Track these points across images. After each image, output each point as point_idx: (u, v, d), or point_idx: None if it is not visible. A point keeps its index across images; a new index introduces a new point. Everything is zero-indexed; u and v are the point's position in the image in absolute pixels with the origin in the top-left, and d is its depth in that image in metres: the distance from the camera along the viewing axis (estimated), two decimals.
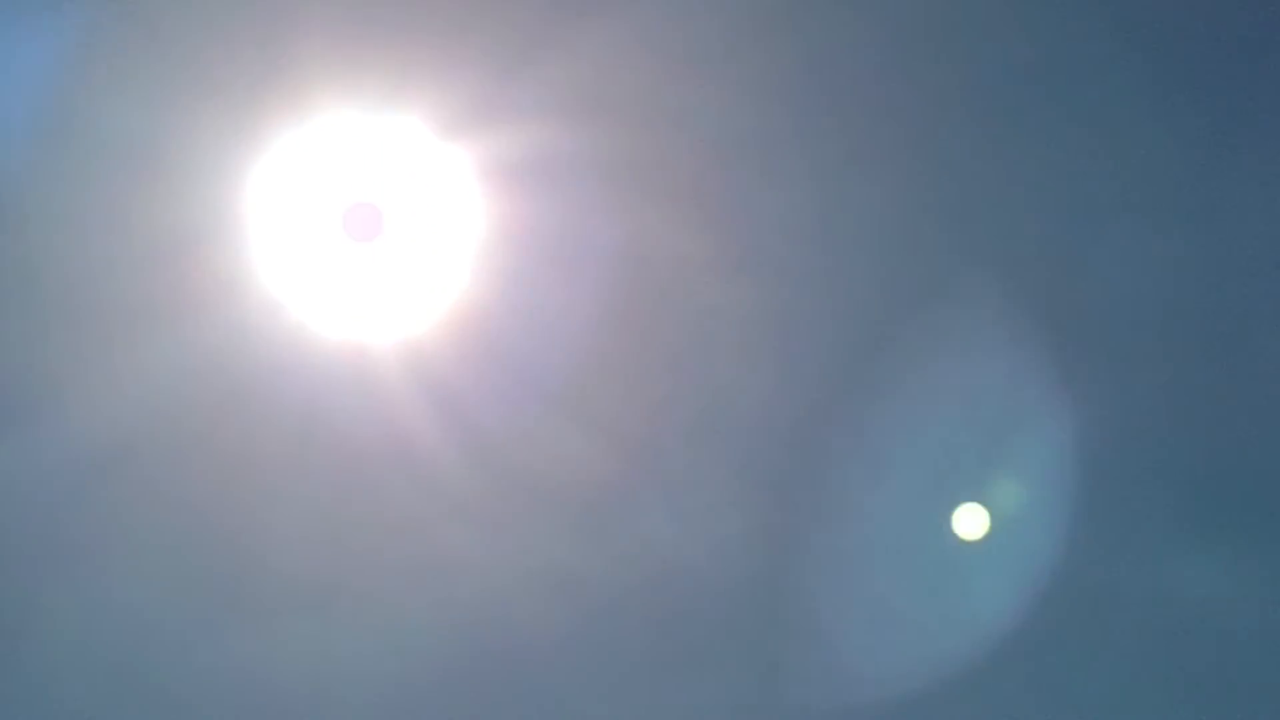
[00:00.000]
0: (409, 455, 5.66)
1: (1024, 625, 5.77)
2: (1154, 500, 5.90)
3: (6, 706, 5.70)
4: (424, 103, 5.47)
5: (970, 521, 5.81)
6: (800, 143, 5.61)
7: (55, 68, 5.47)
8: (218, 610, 5.73)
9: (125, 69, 5.44)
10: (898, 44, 5.61)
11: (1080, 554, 5.85)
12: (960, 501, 5.84)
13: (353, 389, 5.61)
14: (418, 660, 5.72)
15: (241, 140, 5.48)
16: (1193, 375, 5.88)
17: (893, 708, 5.71)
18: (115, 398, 5.55)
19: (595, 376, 5.65)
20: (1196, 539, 5.89)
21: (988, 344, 5.79)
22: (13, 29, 5.35)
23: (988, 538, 5.83)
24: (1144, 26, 5.73)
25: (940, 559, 5.88)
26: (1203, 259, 5.79)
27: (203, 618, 5.72)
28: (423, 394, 5.62)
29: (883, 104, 5.61)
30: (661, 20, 5.44)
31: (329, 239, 5.57)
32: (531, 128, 5.47)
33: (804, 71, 5.61)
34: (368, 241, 5.58)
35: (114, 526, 5.64)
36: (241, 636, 5.69)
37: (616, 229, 5.55)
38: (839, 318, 5.75)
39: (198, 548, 5.69)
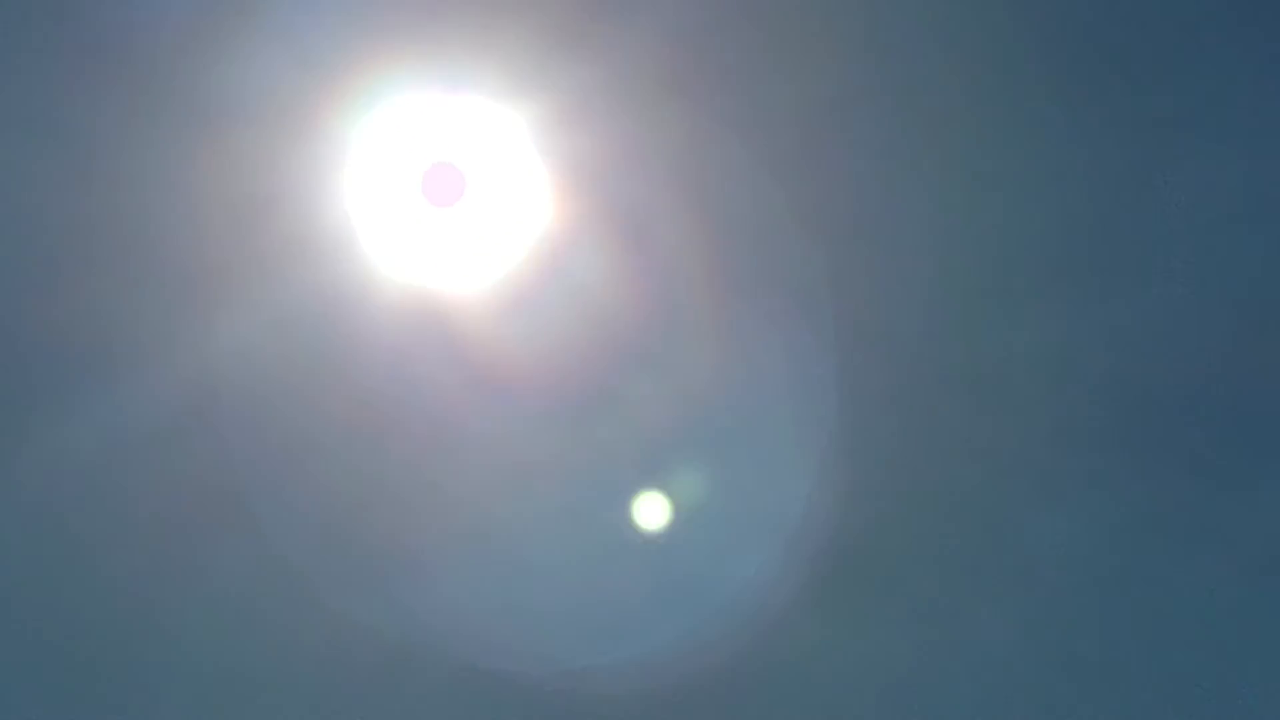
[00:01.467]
0: (490, 417, 5.74)
1: None
2: None
3: (85, 666, 5.81)
4: (502, 66, 5.56)
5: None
6: (867, 132, 5.67)
7: (141, 29, 5.59)
8: (301, 571, 5.82)
9: (211, 32, 5.55)
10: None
11: None
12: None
13: (434, 349, 5.69)
14: (505, 620, 5.80)
15: (326, 103, 5.58)
16: None
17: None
18: (197, 359, 5.66)
19: (675, 338, 5.70)
20: None
21: None
22: None
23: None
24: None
25: None
26: None
27: (285, 579, 5.81)
28: (503, 355, 5.70)
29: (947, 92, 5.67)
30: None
31: (410, 202, 5.66)
32: (609, 94, 5.54)
33: (873, 62, 5.66)
34: (448, 205, 5.67)
35: (198, 487, 5.74)
36: (326, 593, 5.79)
37: (694, 193, 5.61)
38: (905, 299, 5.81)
39: (281, 509, 5.79)
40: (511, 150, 5.62)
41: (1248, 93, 5.80)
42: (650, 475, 5.80)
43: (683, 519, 5.85)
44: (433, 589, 5.82)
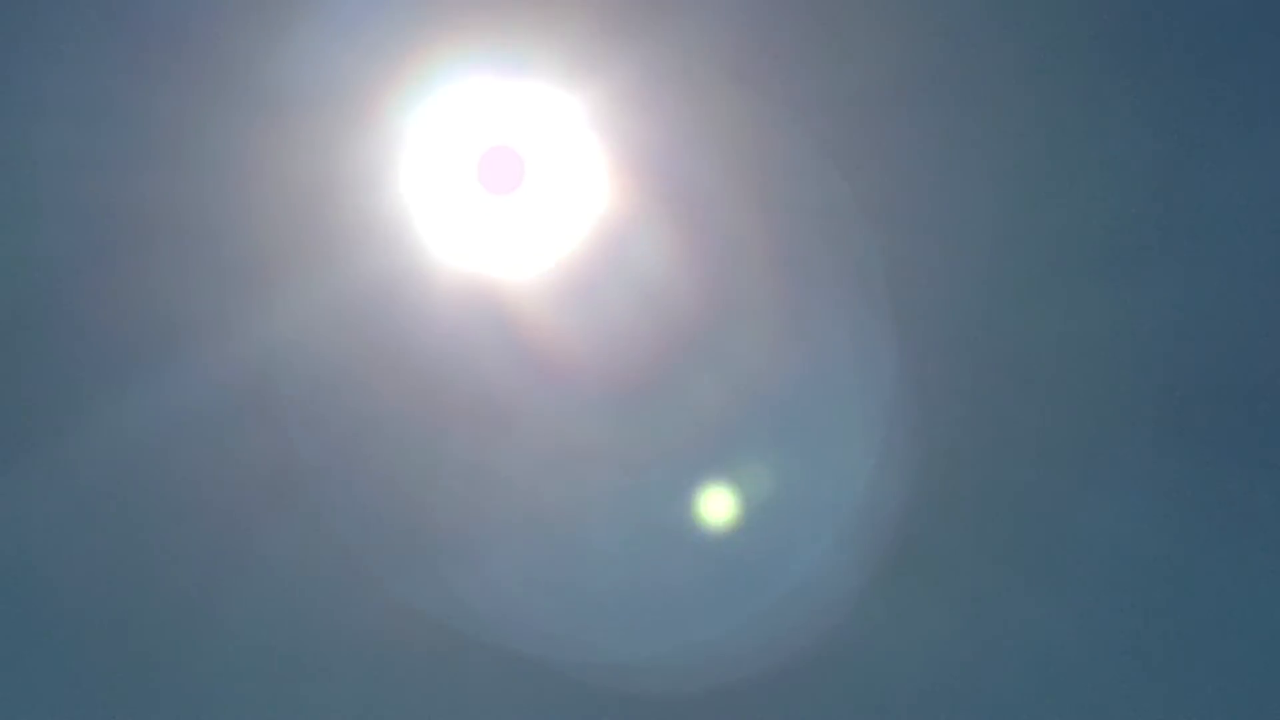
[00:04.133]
0: (548, 404, 5.71)
1: None
2: None
3: (140, 650, 5.85)
4: (560, 51, 5.51)
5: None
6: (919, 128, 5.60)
7: (199, 15, 5.58)
8: (356, 557, 5.83)
9: (268, 18, 5.54)
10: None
11: None
12: None
13: (492, 336, 5.67)
14: (554, 603, 5.78)
15: (383, 89, 5.56)
16: None
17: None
18: (255, 345, 5.67)
19: (734, 326, 5.65)
20: None
21: None
22: None
23: None
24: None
25: None
26: None
27: (341, 565, 5.83)
28: (562, 342, 5.67)
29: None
30: None
31: (467, 188, 5.63)
32: (669, 79, 5.48)
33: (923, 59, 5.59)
34: (505, 192, 5.63)
35: (255, 473, 5.76)
36: (382, 579, 5.80)
37: (754, 179, 5.55)
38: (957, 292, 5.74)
39: (338, 495, 5.80)
40: (570, 136, 5.57)
41: None
42: (709, 464, 5.75)
43: (742, 509, 5.81)
44: (488, 576, 5.81)
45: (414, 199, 5.62)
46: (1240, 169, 5.75)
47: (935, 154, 5.67)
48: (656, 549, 5.83)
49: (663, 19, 5.47)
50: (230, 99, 5.56)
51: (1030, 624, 5.90)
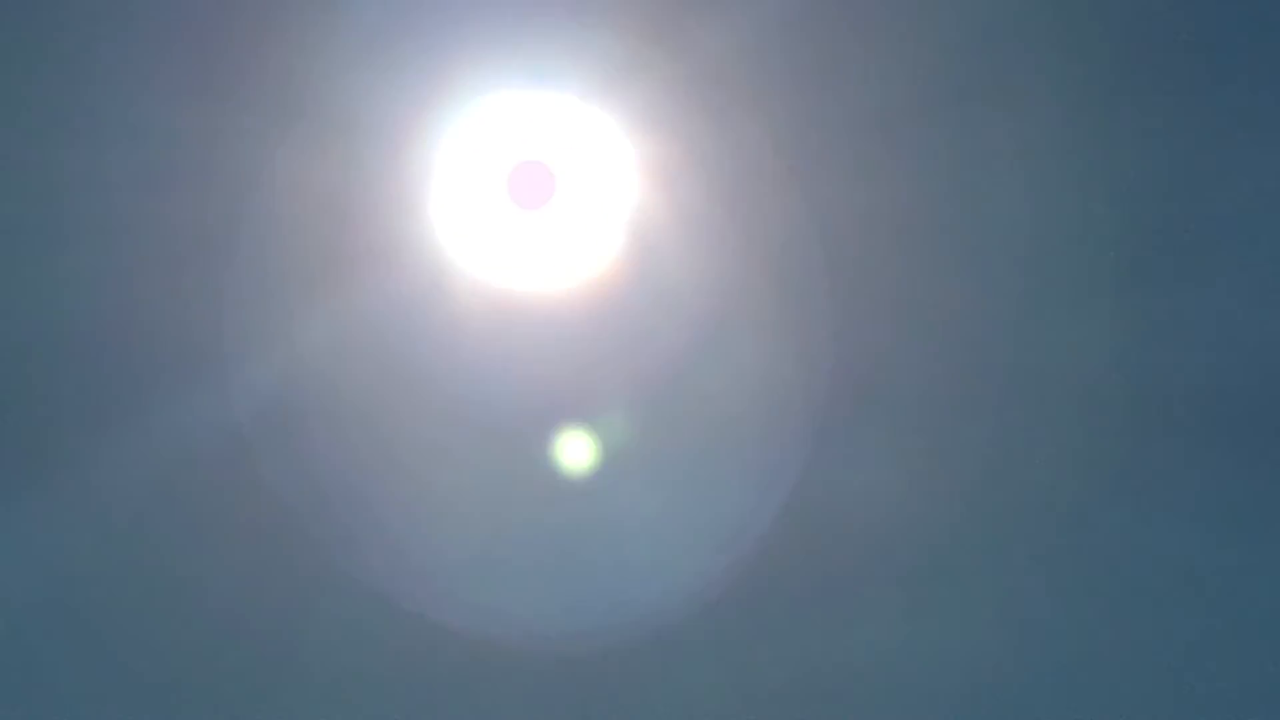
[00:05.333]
0: (576, 413, 5.76)
1: None
2: None
3: (160, 661, 5.81)
4: (591, 69, 5.58)
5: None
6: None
7: (229, 30, 5.60)
8: (383, 567, 5.83)
9: (297, 32, 5.56)
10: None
11: None
12: None
13: (520, 348, 5.71)
14: (589, 613, 5.82)
15: (411, 105, 5.60)
16: None
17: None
18: (286, 359, 5.67)
19: (762, 335, 5.73)
20: None
21: None
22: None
23: None
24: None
25: None
26: None
27: (368, 574, 5.83)
28: (590, 353, 5.72)
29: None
30: None
31: (497, 204, 5.68)
32: (700, 93, 5.57)
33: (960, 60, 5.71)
34: (535, 207, 5.68)
35: (284, 482, 5.75)
36: (402, 588, 5.80)
37: (786, 190, 5.64)
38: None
39: (364, 505, 5.80)
40: (600, 150, 5.64)
41: None
42: (735, 477, 5.82)
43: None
44: (514, 589, 5.84)
45: (445, 214, 5.66)
46: (1258, 177, 5.89)
47: (956, 164, 5.78)
48: (692, 554, 5.88)
49: (692, 33, 5.55)
50: (259, 116, 5.56)
51: (1050, 628, 6.00)
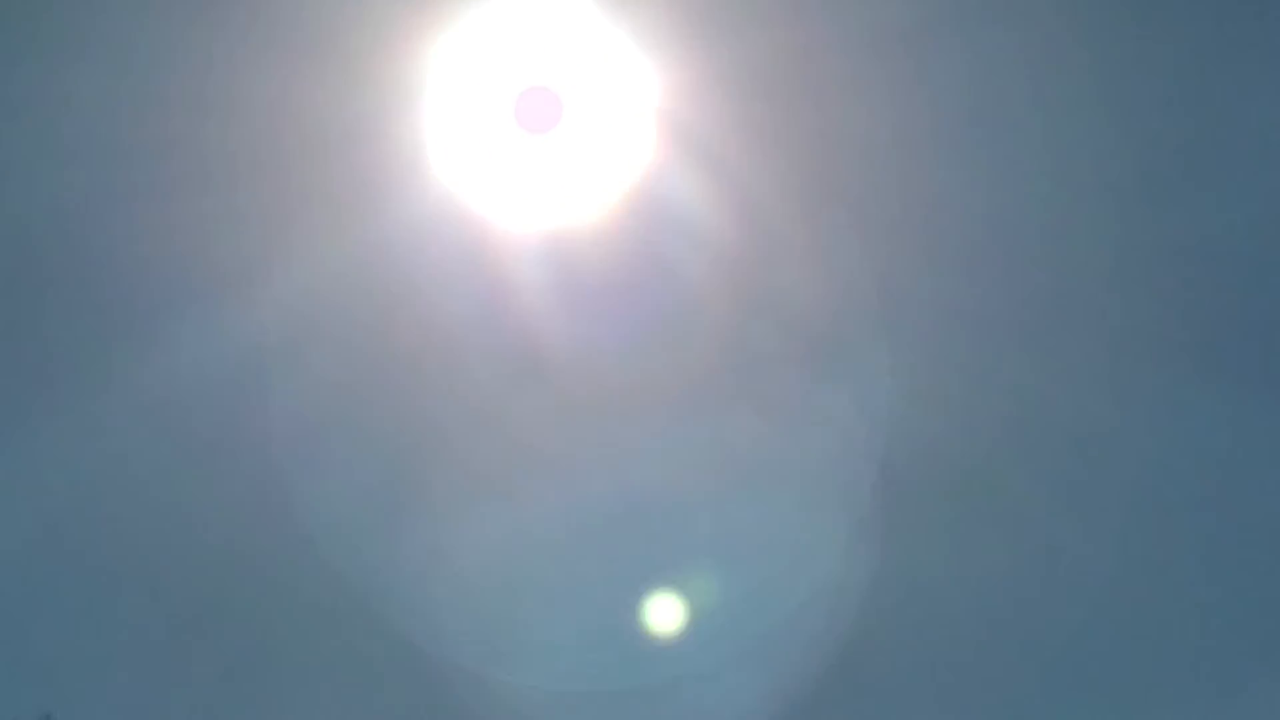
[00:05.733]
0: (579, 343, 5.65)
1: None
2: None
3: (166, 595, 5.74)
4: None
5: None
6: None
7: None
8: (391, 497, 5.75)
9: None
10: None
11: None
12: None
13: (525, 278, 5.59)
14: (580, 542, 5.75)
15: (415, 28, 5.44)
16: None
17: None
18: (291, 284, 5.56)
19: (773, 264, 5.62)
20: None
21: None
22: None
23: None
24: None
25: None
26: None
27: (376, 506, 5.75)
28: (593, 282, 5.61)
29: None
30: None
31: (503, 128, 5.53)
32: (713, 17, 5.42)
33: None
34: (542, 132, 5.53)
35: (290, 413, 5.66)
36: (415, 522, 5.72)
37: (801, 110, 5.50)
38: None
39: (370, 434, 5.71)
40: (607, 76, 5.48)
41: None
42: (744, 409, 5.73)
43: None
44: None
45: (449, 139, 5.52)
46: (1267, 98, 5.77)
47: (970, 81, 5.64)
48: (681, 490, 5.79)
49: None
50: (261, 39, 5.41)
51: (1067, 548, 5.95)
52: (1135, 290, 5.87)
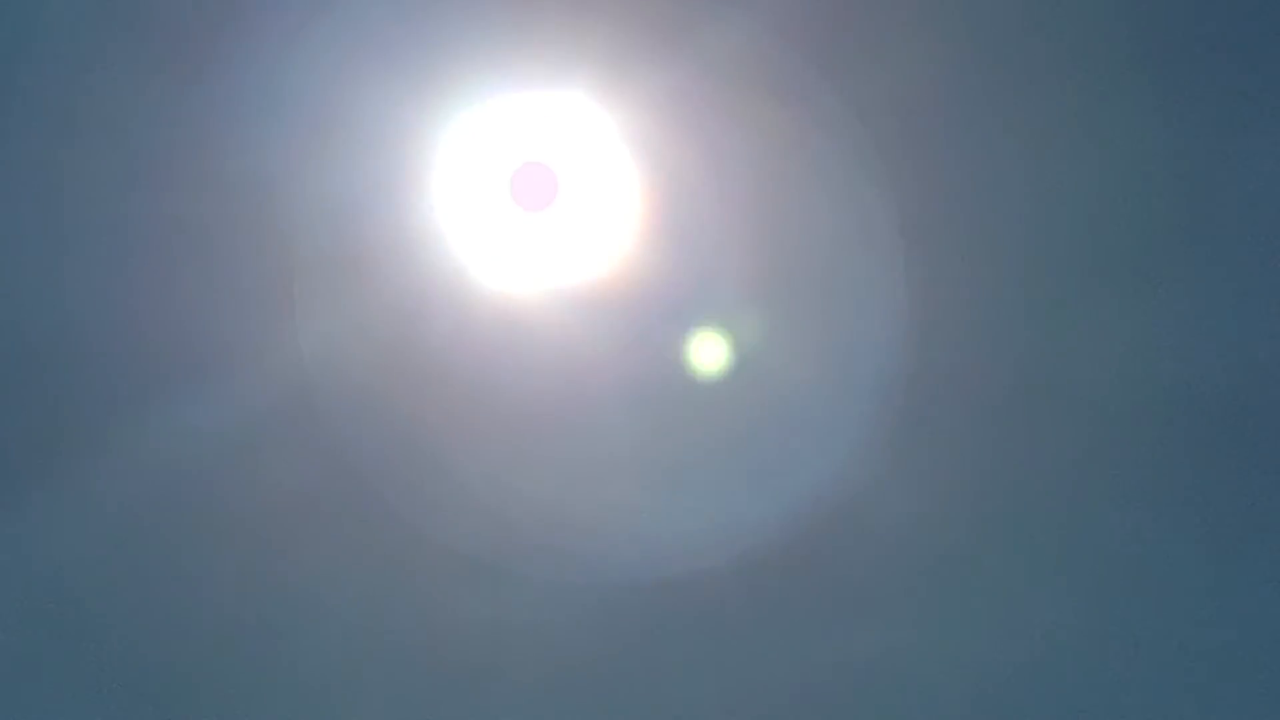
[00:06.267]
0: (578, 418, 5.72)
1: None
2: None
3: (166, 667, 5.79)
4: (593, 69, 5.52)
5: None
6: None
7: (231, 31, 5.53)
8: (385, 574, 5.80)
9: (299, 33, 5.49)
10: None
11: None
12: None
13: (524, 352, 5.66)
14: (588, 613, 5.79)
15: (415, 107, 5.53)
16: None
17: None
18: (286, 364, 5.62)
19: (764, 338, 5.69)
20: None
21: None
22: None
23: None
24: None
25: None
26: None
27: (371, 582, 5.79)
28: (592, 356, 5.67)
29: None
30: None
31: (500, 206, 5.61)
32: (704, 93, 5.51)
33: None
34: (538, 209, 5.62)
35: (288, 484, 5.71)
36: (411, 600, 5.77)
37: (793, 191, 5.58)
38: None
39: (368, 508, 5.76)
40: (603, 150, 5.57)
41: None
42: (748, 472, 5.78)
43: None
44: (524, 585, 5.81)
45: (447, 216, 5.60)
46: (1258, 178, 5.83)
47: (962, 162, 5.72)
48: (688, 556, 5.84)
49: (697, 32, 5.48)
50: (261, 115, 5.51)
51: (1044, 626, 5.98)
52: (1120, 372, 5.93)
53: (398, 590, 5.78)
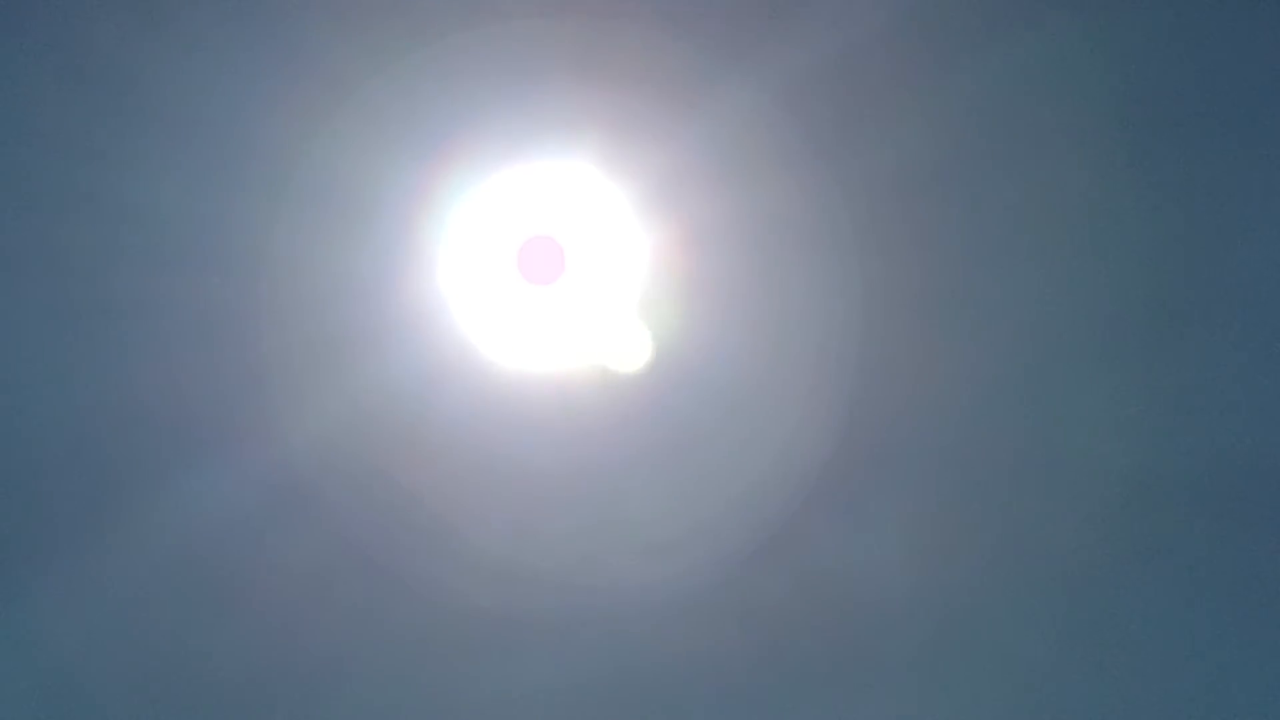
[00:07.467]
0: (591, 490, 5.67)
1: None
2: None
3: None
4: (602, 137, 5.52)
5: None
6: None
7: (229, 106, 5.52)
8: (395, 651, 5.73)
9: (300, 111, 5.48)
10: None
11: None
12: None
13: (536, 424, 5.62)
14: (593, 689, 5.72)
15: (419, 180, 5.53)
16: None
17: None
18: (291, 444, 5.58)
19: (780, 411, 5.66)
20: None
21: None
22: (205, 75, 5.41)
23: None
24: None
25: None
26: None
27: (381, 660, 5.73)
28: (605, 428, 5.64)
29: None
30: (839, 52, 5.49)
31: (507, 279, 5.59)
32: (713, 166, 5.51)
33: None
34: (546, 282, 5.60)
35: (296, 560, 5.65)
36: (422, 675, 5.70)
37: (804, 265, 5.57)
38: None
39: (379, 582, 5.70)
40: (610, 224, 5.56)
41: None
42: (757, 546, 5.73)
43: None
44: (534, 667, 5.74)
45: (454, 291, 5.58)
46: (1256, 248, 5.83)
47: (960, 239, 5.72)
48: (701, 631, 5.77)
49: (706, 105, 5.49)
50: (262, 193, 5.50)
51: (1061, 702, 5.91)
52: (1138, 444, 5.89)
53: (409, 667, 5.71)
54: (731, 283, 5.62)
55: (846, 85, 5.58)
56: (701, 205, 5.58)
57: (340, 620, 5.65)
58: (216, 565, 5.62)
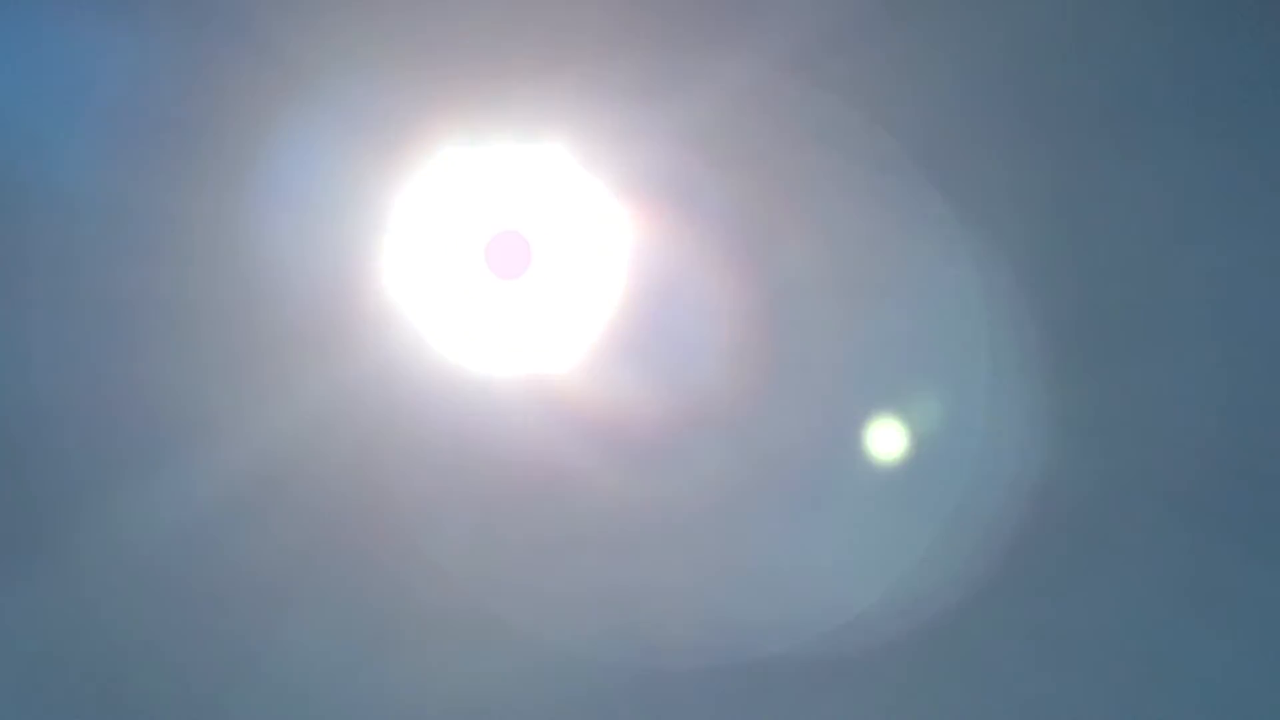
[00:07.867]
0: (559, 489, 5.60)
1: None
2: None
3: None
4: (570, 132, 5.45)
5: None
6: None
7: (194, 104, 5.48)
8: (366, 645, 5.68)
9: (265, 106, 5.43)
10: None
11: None
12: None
13: (502, 423, 5.56)
14: (570, 688, 5.65)
15: (385, 174, 5.47)
16: None
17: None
18: (257, 440, 5.52)
19: (749, 406, 5.57)
20: None
21: None
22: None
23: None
24: None
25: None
26: None
27: (351, 653, 5.67)
28: (572, 428, 5.56)
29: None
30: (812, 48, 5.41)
31: (474, 273, 5.52)
32: (680, 155, 5.43)
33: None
34: (514, 277, 5.53)
35: (261, 560, 5.60)
36: (391, 671, 5.64)
37: (776, 259, 5.49)
38: None
39: (345, 582, 5.64)
40: (579, 218, 5.49)
41: None
42: (748, 554, 5.66)
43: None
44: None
45: (420, 286, 5.51)
46: (1244, 249, 5.73)
47: (942, 232, 5.63)
48: (674, 633, 5.70)
49: (679, 95, 5.42)
50: (222, 187, 5.44)
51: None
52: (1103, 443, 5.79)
53: (383, 664, 5.65)
54: (704, 277, 5.53)
55: (822, 78, 5.50)
56: (673, 199, 5.50)
57: (308, 618, 5.60)
58: (182, 564, 5.57)
